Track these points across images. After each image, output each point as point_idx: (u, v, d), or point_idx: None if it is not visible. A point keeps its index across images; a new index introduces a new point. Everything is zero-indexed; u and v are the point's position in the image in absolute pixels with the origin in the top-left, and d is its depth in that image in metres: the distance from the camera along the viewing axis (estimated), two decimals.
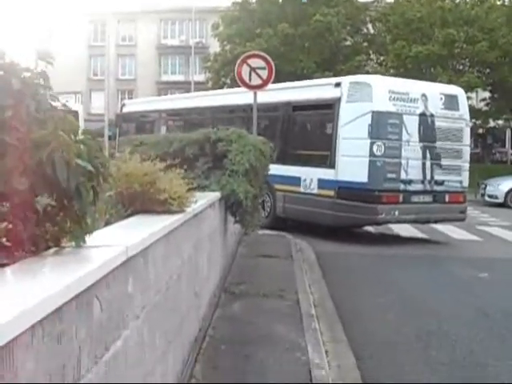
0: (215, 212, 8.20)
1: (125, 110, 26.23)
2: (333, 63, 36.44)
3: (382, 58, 41.43)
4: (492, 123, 43.48)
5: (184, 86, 54.99)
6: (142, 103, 27.80)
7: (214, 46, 46.31)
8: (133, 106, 26.95)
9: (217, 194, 8.46)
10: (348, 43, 42.75)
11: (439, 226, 18.21)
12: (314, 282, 10.81)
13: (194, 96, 24.48)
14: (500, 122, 43.90)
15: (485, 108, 40.78)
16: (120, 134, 23.69)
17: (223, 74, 41.06)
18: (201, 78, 51.01)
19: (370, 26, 43.70)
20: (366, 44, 43.26)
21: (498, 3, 40.00)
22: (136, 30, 67.60)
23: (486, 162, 45.84)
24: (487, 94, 41.20)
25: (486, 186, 29.35)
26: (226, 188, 8.81)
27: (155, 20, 66.58)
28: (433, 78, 29.85)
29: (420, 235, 17.71)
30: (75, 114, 27.73)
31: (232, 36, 38.71)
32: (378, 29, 41.87)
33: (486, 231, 19.05)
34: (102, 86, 49.80)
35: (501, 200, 28.56)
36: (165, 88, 62.80)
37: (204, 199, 6.88)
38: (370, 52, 42.69)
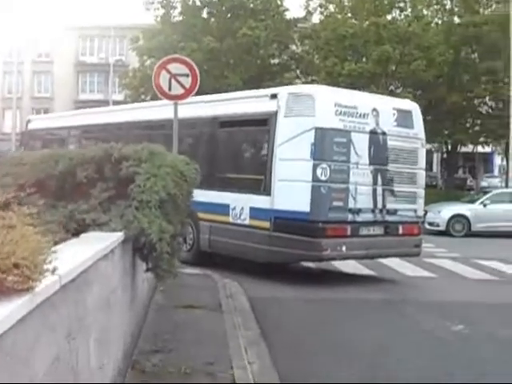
0: (114, 264, 5.57)
1: (30, 126, 23.53)
2: (260, 80, 34.14)
3: (311, 77, 39.44)
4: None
5: (103, 106, 52.14)
6: (50, 119, 25.07)
7: (135, 64, 43.67)
8: (39, 122, 24.16)
9: (117, 236, 5.86)
10: (276, 61, 40.72)
11: (385, 260, 15.85)
12: (251, 344, 8.24)
13: (106, 111, 21.78)
14: (431, 145, 42.42)
15: None
16: None
17: (143, 90, 38.41)
18: (121, 96, 48.35)
19: (298, 44, 41.88)
20: (293, 62, 41.28)
21: (436, 20, 38.75)
22: (53, 46, 64.56)
23: None
24: None
25: (425, 212, 27.50)
26: (133, 226, 6.20)
27: (73, 36, 63.60)
28: None
29: (366, 271, 15.38)
30: None
31: (152, 50, 36.12)
32: (309, 45, 39.88)
33: (437, 265, 16.97)
34: (17, 105, 46.85)
35: (442, 228, 27.07)
36: (83, 107, 59.37)
37: (90, 251, 4.32)
38: (298, 71, 40.75)
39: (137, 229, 6.19)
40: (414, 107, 14.88)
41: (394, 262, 15.98)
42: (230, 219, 14.30)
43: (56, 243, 5.05)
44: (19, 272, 2.78)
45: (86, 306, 4.30)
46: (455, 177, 49.90)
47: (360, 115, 13.38)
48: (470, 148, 48.41)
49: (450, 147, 44.45)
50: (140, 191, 6.43)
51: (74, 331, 3.89)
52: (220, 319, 9.47)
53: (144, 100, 36.24)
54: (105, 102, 51.70)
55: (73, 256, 4.25)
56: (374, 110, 13.67)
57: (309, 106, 12.97)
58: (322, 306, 11.52)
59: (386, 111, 13.94)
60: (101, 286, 4.87)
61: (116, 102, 43.81)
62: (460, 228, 27.10)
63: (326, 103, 13.05)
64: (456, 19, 40.37)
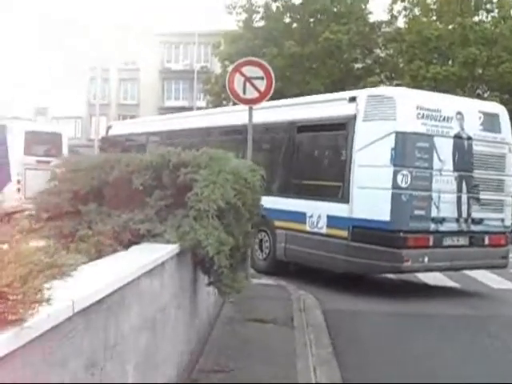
0: (163, 279, 5.09)
1: (111, 132, 23.49)
2: (343, 85, 33.35)
3: (395, 82, 38.43)
4: None
5: None
6: (130, 125, 24.95)
7: (219, 71, 43.44)
8: (120, 128, 24.08)
9: (170, 249, 5.39)
10: (359, 65, 39.84)
11: (469, 271, 14.95)
12: (321, 364, 7.68)
13: (185, 116, 21.45)
14: None
15: None
16: None
17: (224, 96, 38.10)
18: (205, 103, 48.12)
19: (381, 47, 40.91)
20: (377, 66, 40.31)
21: None
22: (139, 53, 65.20)
23: None
24: None
25: None
26: (188, 238, 5.73)
27: (159, 43, 64.06)
28: None
29: (450, 284, 14.57)
30: (58, 136, 25.28)
31: (233, 55, 35.71)
32: (393, 48, 38.85)
33: None
34: (103, 111, 47.45)
35: None
36: (168, 114, 60.07)
37: (131, 266, 3.88)
38: (382, 76, 39.74)
39: (193, 240, 5.71)
40: (501, 110, 13.98)
41: (479, 274, 15.17)
42: (307, 227, 13.73)
43: (98, 258, 4.65)
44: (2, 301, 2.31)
45: (120, 329, 3.83)
46: None
47: (443, 119, 12.62)
48: None
49: None
50: (197, 200, 5.95)
51: (101, 360, 3.42)
52: (290, 335, 8.92)
53: (226, 106, 36.01)
54: (189, 109, 51.71)
55: (108, 273, 3.80)
56: (459, 113, 12.89)
57: (389, 109, 12.29)
58: (401, 321, 10.86)
59: (472, 114, 13.13)
60: (143, 306, 4.40)
61: (200, 109, 43.66)
62: None
63: (408, 106, 12.34)
64: None
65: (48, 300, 2.57)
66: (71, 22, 52.70)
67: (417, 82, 32.33)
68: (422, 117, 12.33)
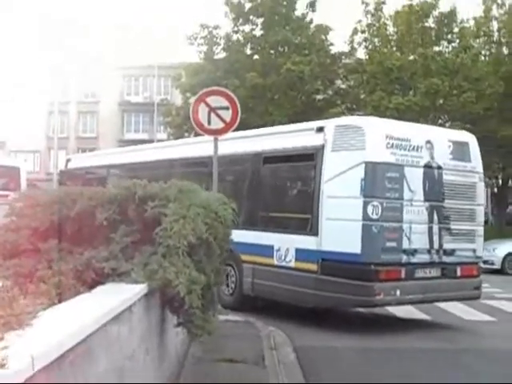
0: (132, 324, 4.66)
1: (70, 165, 22.98)
2: (305, 116, 33.18)
3: (357, 113, 38.47)
4: None
5: None
6: (90, 158, 24.39)
7: (180, 103, 43.13)
8: (79, 161, 23.57)
9: (138, 289, 4.97)
10: (320, 96, 39.81)
11: (440, 303, 14.65)
12: None
13: (146, 148, 21.02)
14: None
15: None
16: None
17: (186, 128, 37.76)
18: (165, 135, 47.71)
19: (343, 78, 41.00)
20: (338, 97, 40.35)
21: (484, 52, 37.61)
22: (99, 86, 64.72)
23: None
24: None
25: None
26: (157, 277, 5.30)
27: (118, 77, 63.64)
28: None
29: (422, 316, 14.26)
30: (16, 170, 24.61)
31: (195, 86, 35.40)
32: (354, 80, 38.95)
33: (496, 307, 15.84)
34: (62, 145, 46.78)
35: (497, 266, 25.99)
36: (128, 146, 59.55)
37: (97, 311, 3.44)
38: (343, 107, 39.75)
39: (162, 280, 5.30)
40: (470, 139, 13.79)
41: (449, 305, 14.82)
42: (275, 261, 13.34)
43: (60, 301, 4.22)
44: None
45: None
46: (506, 212, 48.22)
47: (413, 148, 12.37)
48: None
49: (500, 182, 42.98)
50: (167, 235, 5.54)
51: None
52: (263, 375, 8.49)
53: (187, 138, 35.65)
54: (149, 141, 51.31)
55: (71, 321, 3.36)
56: (428, 142, 12.66)
57: (358, 138, 12.01)
58: (375, 356, 10.50)
59: (441, 143, 12.91)
60: (111, 355, 3.96)
61: (160, 141, 43.26)
62: None
63: (377, 135, 12.08)
64: (505, 50, 39.10)
65: (3, 365, 2.15)
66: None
67: (379, 113, 32.29)
68: (392, 146, 12.08)
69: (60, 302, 4.34)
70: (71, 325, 3.31)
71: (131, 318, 4.61)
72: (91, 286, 5.15)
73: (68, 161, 23.57)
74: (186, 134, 37.59)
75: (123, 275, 5.38)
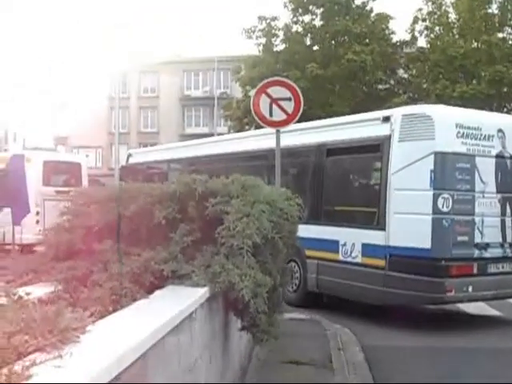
0: (193, 332, 4.29)
1: (131, 160, 22.88)
2: (367, 107, 32.62)
3: (420, 102, 37.65)
4: None
5: None
6: (150, 153, 24.21)
7: (239, 96, 42.88)
8: (140, 156, 23.41)
9: (199, 295, 4.60)
10: (382, 86, 39.04)
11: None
12: None
13: (207, 142, 20.75)
14: None
15: None
16: None
17: (247, 121, 37.48)
18: (225, 129, 47.55)
19: (403, 68, 40.17)
20: (401, 87, 39.52)
21: None
22: (158, 81, 64.99)
23: None
24: None
25: None
26: (220, 280, 4.93)
27: (178, 71, 63.81)
28: None
29: (493, 312, 13.66)
30: (77, 165, 24.68)
31: (255, 79, 35.05)
32: (416, 69, 38.10)
33: None
34: (123, 140, 47.06)
35: None
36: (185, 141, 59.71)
37: (155, 323, 3.08)
38: (405, 96, 38.88)
39: (225, 283, 4.92)
40: None
41: None
42: (340, 256, 12.91)
43: (115, 309, 3.87)
44: None
45: None
46: None
47: (484, 137, 11.79)
48: None
49: None
50: (230, 235, 5.16)
51: None
52: (331, 379, 8.07)
53: (248, 131, 35.37)
54: (210, 135, 51.40)
55: (125, 336, 3.00)
56: (500, 130, 12.06)
57: (427, 128, 11.47)
58: (447, 357, 9.96)
59: None
60: (169, 370, 3.60)
61: (221, 135, 43.17)
62: None
63: (447, 124, 11.52)
64: None
65: None
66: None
67: (443, 102, 31.41)
68: (462, 135, 11.52)
69: (115, 309, 3.99)
70: (125, 340, 2.94)
71: (192, 326, 4.24)
72: (149, 290, 4.81)
73: (129, 156, 23.47)
74: (247, 127, 37.31)
75: (183, 278, 5.03)
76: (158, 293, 4.65)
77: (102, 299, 4.18)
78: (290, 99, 11.81)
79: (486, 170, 11.78)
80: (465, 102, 31.70)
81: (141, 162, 22.05)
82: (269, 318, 5.65)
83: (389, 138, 12.03)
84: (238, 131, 36.44)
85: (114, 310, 3.95)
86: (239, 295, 4.97)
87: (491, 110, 32.06)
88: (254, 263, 5.21)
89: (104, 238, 5.59)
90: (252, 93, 37.39)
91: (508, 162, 12.17)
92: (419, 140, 11.59)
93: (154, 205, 5.60)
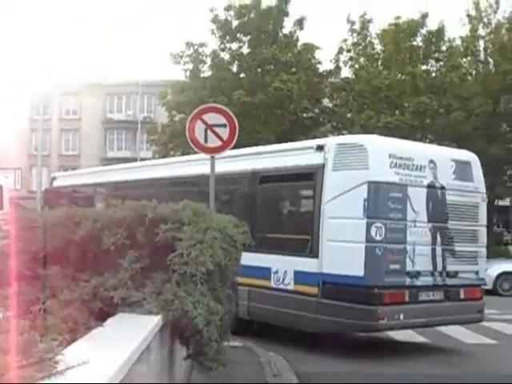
0: (149, 363, 4.20)
1: (55, 183, 22.48)
2: (293, 135, 32.84)
3: (343, 132, 38.11)
4: None
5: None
6: (76, 176, 23.87)
7: (163, 121, 42.66)
8: (65, 179, 23.05)
9: (154, 323, 4.52)
10: (307, 115, 39.43)
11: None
12: None
13: (136, 166, 20.57)
14: None
15: None
16: None
17: (172, 146, 37.31)
18: (149, 154, 47.21)
19: (328, 98, 40.68)
20: (326, 116, 40.01)
21: (471, 70, 37.47)
22: (81, 103, 64.25)
23: None
24: None
25: None
26: (173, 307, 4.86)
27: (101, 94, 63.24)
28: None
29: (421, 339, 13.86)
30: None
31: (181, 104, 35.04)
32: (340, 98, 38.67)
33: (495, 329, 15.55)
34: (44, 162, 46.20)
35: (489, 286, 25.28)
36: (110, 165, 58.90)
37: (122, 353, 3.01)
38: (329, 125, 39.39)
39: (177, 311, 4.85)
40: (472, 158, 13.51)
41: (448, 327, 14.37)
42: (272, 284, 12.90)
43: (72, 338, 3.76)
44: None
45: None
46: (493, 232, 48.19)
47: (417, 167, 12.01)
48: (506, 201, 46.56)
49: (488, 201, 42.72)
50: (182, 262, 5.10)
51: None
52: None
53: (173, 156, 35.20)
54: (132, 160, 50.91)
55: (98, 369, 2.91)
56: (431, 161, 12.31)
57: (361, 157, 11.63)
58: (380, 382, 10.05)
59: (444, 163, 12.56)
60: None
61: (144, 160, 42.77)
62: (508, 287, 26.17)
63: (380, 155, 11.70)
64: (492, 69, 38.95)
65: None
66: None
67: (367, 132, 32.00)
68: (395, 165, 11.71)
69: (72, 338, 3.88)
70: (98, 373, 2.85)
71: (149, 357, 4.15)
72: (99, 317, 4.70)
73: (53, 179, 23.10)
74: (172, 153, 37.16)
75: (134, 305, 4.94)
76: (110, 321, 4.54)
77: (57, 328, 4.05)
78: (225, 125, 11.80)
79: (418, 199, 11.97)
80: (389, 132, 32.30)
81: (65, 186, 21.67)
82: (217, 346, 5.59)
83: (322, 166, 12.11)
84: (163, 156, 36.26)
85: (72, 339, 3.83)
86: (192, 323, 4.90)
87: (414, 140, 32.71)
88: (206, 291, 5.16)
89: (49, 264, 5.45)
90: (178, 118, 37.45)
91: (439, 192, 12.39)
92: (353, 169, 11.72)
93: (102, 230, 5.49)
